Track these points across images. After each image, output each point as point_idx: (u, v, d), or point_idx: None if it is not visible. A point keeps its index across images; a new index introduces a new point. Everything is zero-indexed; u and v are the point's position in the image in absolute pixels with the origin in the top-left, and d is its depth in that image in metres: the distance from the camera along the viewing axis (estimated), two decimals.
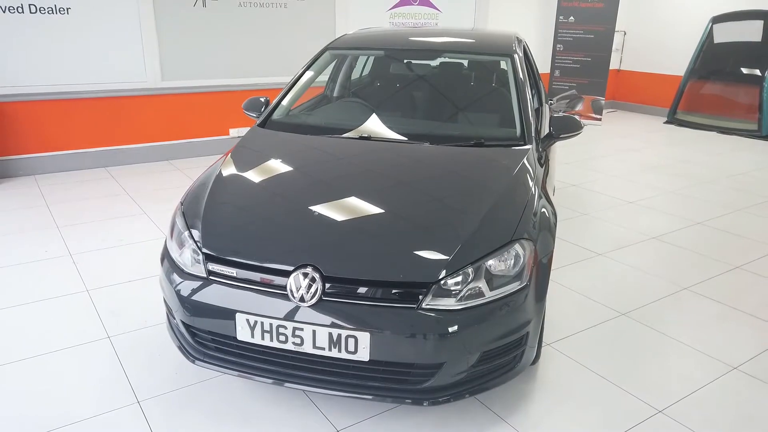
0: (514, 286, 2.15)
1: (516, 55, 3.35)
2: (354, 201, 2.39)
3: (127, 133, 5.94)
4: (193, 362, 2.29)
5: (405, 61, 3.68)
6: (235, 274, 2.16)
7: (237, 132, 6.57)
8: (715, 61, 8.57)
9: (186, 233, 2.33)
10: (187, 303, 2.21)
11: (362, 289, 2.06)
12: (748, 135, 8.10)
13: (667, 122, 9.01)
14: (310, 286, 2.05)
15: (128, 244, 3.97)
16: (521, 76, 3.22)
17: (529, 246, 2.23)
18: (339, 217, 2.30)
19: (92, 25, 5.47)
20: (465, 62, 3.80)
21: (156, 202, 4.82)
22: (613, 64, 9.65)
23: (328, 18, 6.88)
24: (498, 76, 3.61)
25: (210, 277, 2.20)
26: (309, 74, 3.49)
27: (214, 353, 2.26)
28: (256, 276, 2.14)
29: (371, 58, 4.06)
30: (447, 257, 2.09)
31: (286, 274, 2.09)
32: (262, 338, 2.11)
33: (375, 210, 2.34)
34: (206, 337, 2.26)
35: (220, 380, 2.54)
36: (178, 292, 2.24)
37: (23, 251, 3.79)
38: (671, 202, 5.21)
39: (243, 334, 2.12)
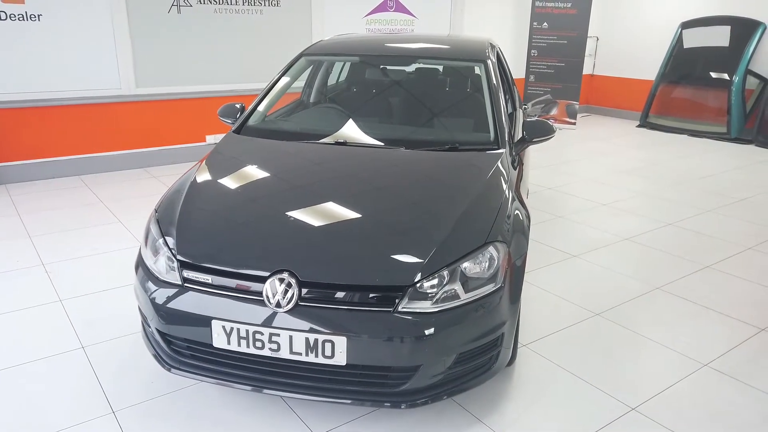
0: (488, 288, 2.18)
1: (489, 61, 3.40)
2: (330, 206, 2.40)
3: (101, 141, 5.87)
4: (169, 370, 2.27)
5: (380, 67, 3.70)
6: (210, 281, 2.16)
7: (213, 138, 6.53)
8: (684, 66, 8.76)
9: (160, 240, 2.32)
10: (162, 311, 2.19)
11: (338, 294, 2.07)
12: (717, 138, 8.29)
13: (639, 126, 9.19)
14: (286, 292, 2.05)
15: (102, 253, 3.92)
16: (494, 81, 3.27)
17: (503, 248, 2.26)
18: (315, 222, 2.31)
19: (65, 32, 5.41)
20: (440, 68, 3.83)
21: (131, 210, 4.77)
22: (587, 69, 9.80)
23: (305, 24, 6.89)
24: (472, 81, 3.65)
25: (185, 285, 2.19)
26: (284, 80, 3.49)
27: (190, 361, 2.25)
28: (232, 282, 2.13)
29: (347, 64, 4.09)
30: (422, 260, 2.11)
31: (262, 280, 2.09)
32: (239, 345, 2.10)
33: (351, 215, 2.36)
34: (182, 345, 2.24)
35: (195, 388, 2.52)
36: (152, 300, 2.22)
37: None
38: (643, 204, 5.31)
39: (219, 341, 2.12)
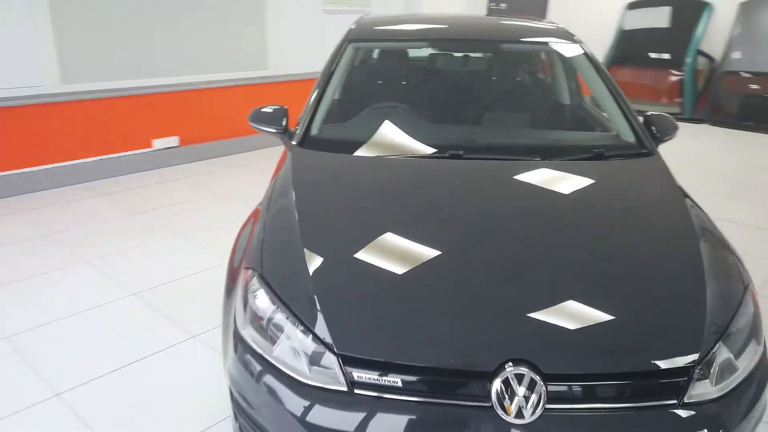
0: (756, 349, 1.62)
1: (582, 43, 2.84)
2: (535, 260, 1.72)
3: (22, 154, 4.60)
4: None
5: (457, 54, 2.95)
6: (400, 385, 1.42)
7: (162, 143, 5.45)
8: (631, 47, 8.73)
9: (290, 320, 1.53)
10: None
11: (603, 389, 1.42)
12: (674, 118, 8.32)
13: None
14: (527, 394, 1.37)
15: (79, 312, 2.90)
16: (599, 64, 2.72)
17: (753, 293, 1.72)
18: (529, 285, 1.62)
19: None
20: (524, 53, 3.15)
21: (88, 246, 3.66)
22: None
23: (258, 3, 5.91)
24: (571, 66, 2.97)
25: (355, 392, 1.43)
26: (335, 75, 2.68)
27: None
28: (435, 384, 1.42)
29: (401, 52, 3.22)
30: (697, 329, 1.52)
31: (485, 377, 1.39)
32: None
33: (570, 272, 1.68)
34: None
35: None
36: (292, 414, 1.45)
37: None
38: (736, 209, 4.63)
39: None
